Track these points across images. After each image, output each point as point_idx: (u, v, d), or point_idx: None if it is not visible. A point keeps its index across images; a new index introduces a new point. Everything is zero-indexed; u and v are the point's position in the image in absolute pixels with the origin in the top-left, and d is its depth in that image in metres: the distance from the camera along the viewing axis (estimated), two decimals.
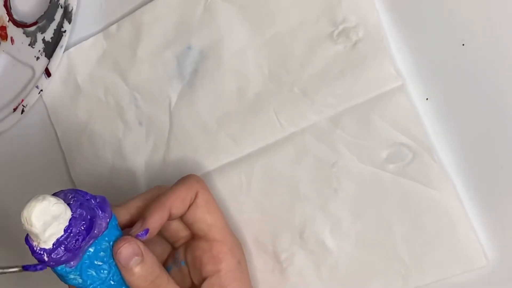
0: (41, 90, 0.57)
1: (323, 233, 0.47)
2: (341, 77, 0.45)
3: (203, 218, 0.46)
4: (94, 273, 0.41)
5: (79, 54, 0.55)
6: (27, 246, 0.40)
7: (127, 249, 0.41)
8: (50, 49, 0.56)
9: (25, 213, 0.37)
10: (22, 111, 0.59)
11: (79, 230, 0.39)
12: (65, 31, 0.55)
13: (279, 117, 0.48)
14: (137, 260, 0.41)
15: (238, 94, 0.49)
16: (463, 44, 0.42)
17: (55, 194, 0.40)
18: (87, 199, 0.41)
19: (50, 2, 0.56)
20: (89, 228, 0.40)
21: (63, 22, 0.55)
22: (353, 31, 0.44)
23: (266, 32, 0.47)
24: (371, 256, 0.46)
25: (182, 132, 0.51)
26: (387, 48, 0.44)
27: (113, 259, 0.41)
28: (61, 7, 0.55)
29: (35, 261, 0.40)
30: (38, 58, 0.57)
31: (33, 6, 0.58)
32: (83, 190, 0.41)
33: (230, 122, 0.49)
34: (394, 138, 0.44)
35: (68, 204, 0.39)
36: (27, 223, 0.38)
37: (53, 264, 0.39)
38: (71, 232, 0.39)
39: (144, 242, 0.42)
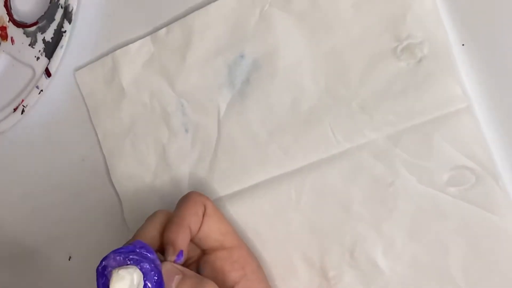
0: (41, 90, 0.57)
1: (375, 253, 0.46)
2: (403, 95, 0.43)
3: (218, 227, 0.46)
4: None
5: (125, 56, 0.53)
6: None
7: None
8: (50, 49, 0.56)
9: None
10: (22, 111, 0.58)
11: (154, 281, 0.39)
12: (65, 31, 0.54)
13: (334, 132, 0.46)
14: (179, 278, 0.41)
15: (292, 106, 0.47)
16: None
17: (104, 261, 0.40)
18: (133, 251, 0.40)
19: (50, 2, 0.55)
20: (159, 274, 0.40)
21: (63, 22, 0.54)
22: (418, 47, 0.43)
23: (324, 44, 0.46)
24: (425, 280, 0.45)
25: (231, 141, 0.50)
26: (454, 66, 0.42)
27: None
28: (61, 7, 0.54)
29: None
30: (38, 58, 0.57)
31: (33, 6, 0.57)
32: (121, 246, 0.41)
33: (282, 134, 0.48)
34: (456, 161, 0.43)
35: (127, 265, 0.39)
36: None
37: None
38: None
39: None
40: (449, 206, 0.43)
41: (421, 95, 0.43)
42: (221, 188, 0.51)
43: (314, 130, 0.47)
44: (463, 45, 0.42)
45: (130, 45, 0.53)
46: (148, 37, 0.52)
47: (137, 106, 0.53)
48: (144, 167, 0.54)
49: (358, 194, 0.46)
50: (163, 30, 0.51)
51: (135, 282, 0.38)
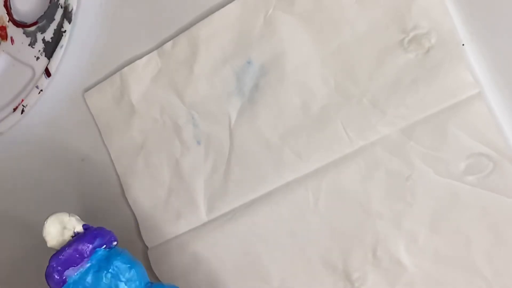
0: (41, 90, 0.57)
1: (398, 250, 0.45)
2: (414, 87, 0.43)
3: None
4: None
5: (133, 73, 0.53)
6: None
7: None
8: (50, 49, 0.56)
9: None
10: (22, 111, 0.58)
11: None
12: (65, 31, 0.54)
13: (347, 130, 0.46)
14: None
15: (302, 108, 0.47)
16: None
17: None
18: None
19: (50, 2, 0.55)
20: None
21: (63, 22, 0.54)
22: (425, 37, 0.42)
23: (331, 42, 0.46)
24: (450, 273, 0.44)
25: (244, 149, 0.50)
26: (462, 54, 0.42)
27: None
28: (61, 7, 0.54)
29: None
30: (38, 58, 0.57)
31: (33, 6, 0.57)
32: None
33: (295, 138, 0.48)
34: (472, 148, 0.42)
35: None
36: None
37: None
38: None
39: None
40: (468, 195, 0.43)
41: (432, 85, 0.43)
42: (237, 197, 0.51)
43: (326, 131, 0.46)
44: (470, 32, 0.42)
45: (137, 61, 0.53)
46: (154, 52, 0.52)
47: (148, 122, 0.53)
48: (158, 183, 0.54)
49: (376, 191, 0.46)
50: (169, 43, 0.51)
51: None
